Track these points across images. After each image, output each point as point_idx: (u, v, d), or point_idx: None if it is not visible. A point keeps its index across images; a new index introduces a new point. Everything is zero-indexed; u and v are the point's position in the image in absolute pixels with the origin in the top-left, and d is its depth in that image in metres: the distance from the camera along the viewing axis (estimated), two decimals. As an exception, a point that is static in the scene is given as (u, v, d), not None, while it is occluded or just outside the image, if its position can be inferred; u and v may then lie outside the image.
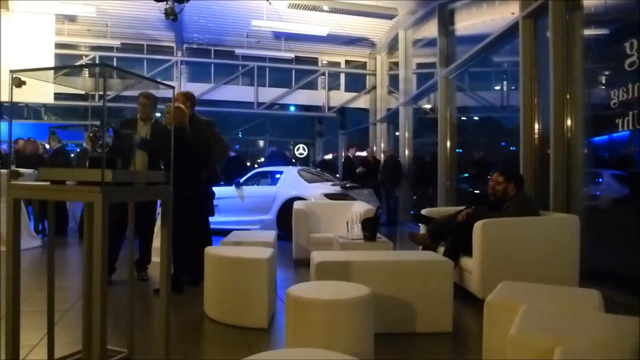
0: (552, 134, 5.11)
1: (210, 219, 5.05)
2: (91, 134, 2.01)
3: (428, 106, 11.36)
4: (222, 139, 5.11)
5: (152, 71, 13.08)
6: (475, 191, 8.70)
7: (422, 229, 5.18)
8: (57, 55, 11.11)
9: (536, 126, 5.66)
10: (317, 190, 8.09)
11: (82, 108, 12.74)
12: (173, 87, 2.30)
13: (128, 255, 2.64)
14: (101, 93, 1.95)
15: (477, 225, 4.00)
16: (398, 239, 8.51)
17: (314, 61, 14.70)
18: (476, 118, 12.18)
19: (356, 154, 11.84)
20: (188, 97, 4.91)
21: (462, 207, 4.91)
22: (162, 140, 4.40)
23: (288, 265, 5.89)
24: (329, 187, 8.25)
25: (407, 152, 11.25)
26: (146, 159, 4.57)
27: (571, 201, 4.99)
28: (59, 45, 11.53)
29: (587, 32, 5.09)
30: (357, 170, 10.71)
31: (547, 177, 5.15)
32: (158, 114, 5.28)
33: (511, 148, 8.60)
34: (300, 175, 8.60)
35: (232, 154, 11.81)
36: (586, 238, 4.41)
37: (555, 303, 2.49)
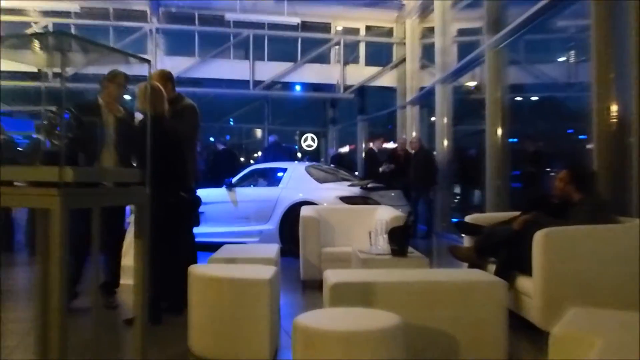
0: (635, 117, 5.06)
1: (195, 229, 5.06)
2: (46, 122, 2.03)
3: (472, 84, 11.30)
4: (195, 128, 5.12)
5: (120, 42, 13.16)
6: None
7: (467, 240, 5.15)
8: None
9: (613, 108, 5.61)
10: (330, 193, 8.09)
11: (32, 90, 12.84)
12: (149, 62, 2.31)
13: (92, 277, 2.65)
14: (58, 70, 1.96)
15: (539, 236, 3.96)
16: (435, 253, 8.47)
17: (326, 28, 14.72)
18: (535, 98, 12.11)
19: (383, 146, 11.81)
20: (167, 77, 4.94)
21: (518, 213, 4.89)
22: (134, 131, 4.42)
23: (294, 287, 5.90)
24: (345, 188, 8.25)
25: (445, 143, 11.20)
26: (115, 154, 4.60)
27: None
28: (1, 11, 11.63)
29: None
30: (381, 169, 10.65)
31: (629, 173, 5.09)
32: (127, 97, 5.30)
33: (580, 137, 8.54)
34: (308, 173, 8.61)
35: (222, 146, 11.88)
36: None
37: (640, 336, 2.46)
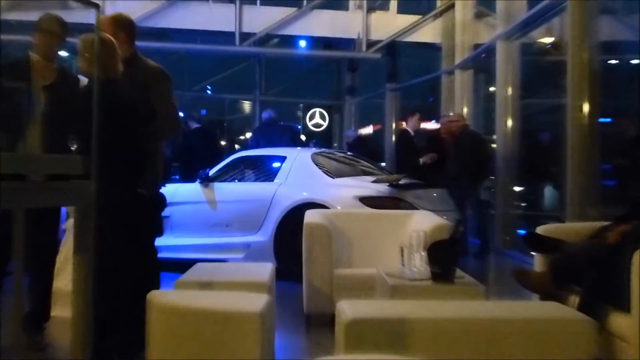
0: None
1: (158, 241, 5.07)
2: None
3: (548, 40, 11.25)
4: (173, 104, 5.14)
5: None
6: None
7: (539, 261, 5.13)
8: None
9: None
10: (346, 191, 8.09)
11: None
12: (97, 6, 2.31)
13: (12, 306, 2.66)
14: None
15: (640, 256, 3.95)
16: (494, 278, 8.45)
17: (343, -41, 14.71)
18: (636, 62, 12.03)
19: (420, 125, 11.75)
20: (121, 24, 4.93)
21: (609, 223, 4.87)
22: (75, 101, 4.43)
23: (295, 324, 5.92)
24: (367, 186, 8.24)
25: (509, 123, 11.17)
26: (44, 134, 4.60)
27: None
28: None
29: None
30: (421, 160, 10.59)
31: None
32: (63, 53, 5.30)
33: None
34: (316, 164, 8.60)
35: (195, 124, 11.89)
36: None
37: None
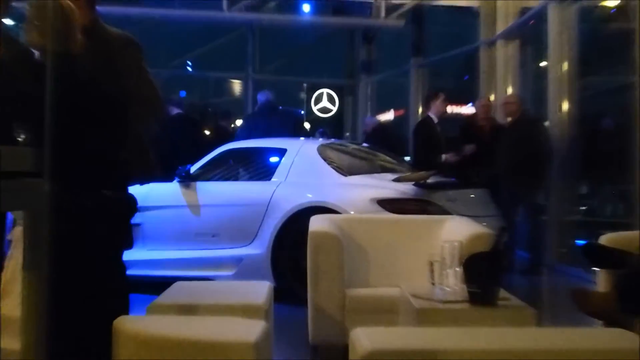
0: None
1: (127, 254, 5.07)
2: None
3: (612, 4, 11.23)
4: (150, 79, 5.15)
5: None
6: None
7: (602, 279, 5.12)
8: None
9: None
10: (361, 192, 8.11)
11: None
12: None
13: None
14: None
15: None
16: (547, 300, 8.44)
17: None
18: None
19: (447, 110, 11.70)
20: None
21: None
22: (22, 79, 4.44)
23: (298, 356, 6.02)
24: (387, 185, 8.26)
25: (565, 107, 11.15)
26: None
27: None
28: None
29: None
30: (443, 157, 10.47)
31: None
32: (8, 21, 5.31)
33: None
34: (324, 159, 8.61)
35: (175, 110, 11.92)
36: None
37: None
